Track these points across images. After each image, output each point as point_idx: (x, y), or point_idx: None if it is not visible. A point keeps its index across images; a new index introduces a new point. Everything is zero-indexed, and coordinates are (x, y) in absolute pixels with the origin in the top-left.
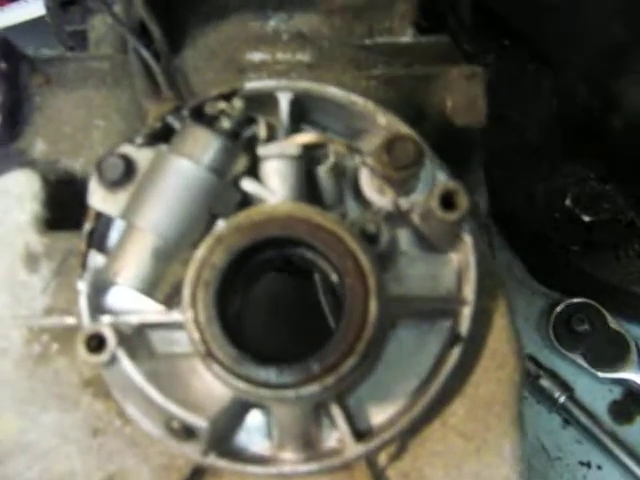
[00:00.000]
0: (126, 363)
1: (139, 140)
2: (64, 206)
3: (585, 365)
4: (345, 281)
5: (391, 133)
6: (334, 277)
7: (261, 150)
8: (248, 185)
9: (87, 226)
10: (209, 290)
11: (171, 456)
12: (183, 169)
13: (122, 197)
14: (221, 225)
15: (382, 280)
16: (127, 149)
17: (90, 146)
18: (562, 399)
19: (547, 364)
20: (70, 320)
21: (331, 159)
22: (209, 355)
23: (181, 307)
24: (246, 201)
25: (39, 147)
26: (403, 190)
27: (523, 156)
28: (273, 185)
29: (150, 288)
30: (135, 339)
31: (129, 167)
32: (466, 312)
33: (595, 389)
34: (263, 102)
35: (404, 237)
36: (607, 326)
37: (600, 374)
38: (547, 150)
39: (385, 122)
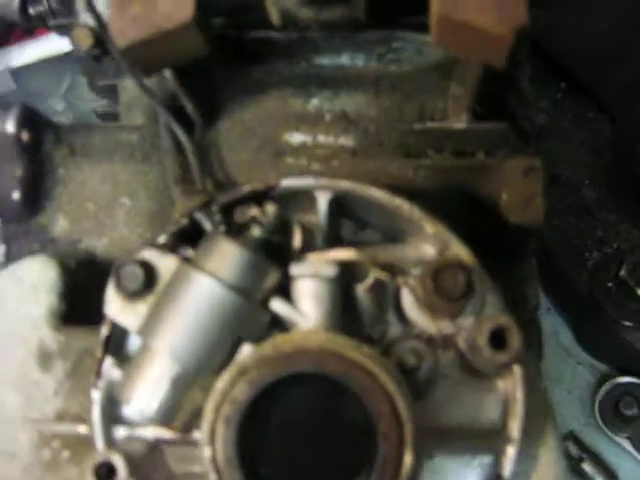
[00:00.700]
0: None
1: (162, 239)
2: (83, 292)
3: (631, 449)
4: (379, 428)
5: (439, 259)
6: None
7: (294, 269)
8: (278, 306)
9: (103, 331)
10: (229, 427)
11: None
12: (207, 289)
13: (141, 309)
14: (246, 351)
15: (419, 425)
16: (149, 254)
17: (114, 225)
18: None
19: (589, 443)
20: (82, 429)
21: (371, 279)
22: None
23: (201, 430)
24: (276, 321)
25: (60, 224)
26: (448, 317)
27: (576, 216)
28: (306, 308)
29: (166, 418)
30: (149, 458)
31: (150, 276)
32: (510, 452)
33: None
34: (300, 198)
35: (447, 359)
36: None
37: None
38: (602, 211)
39: (433, 231)
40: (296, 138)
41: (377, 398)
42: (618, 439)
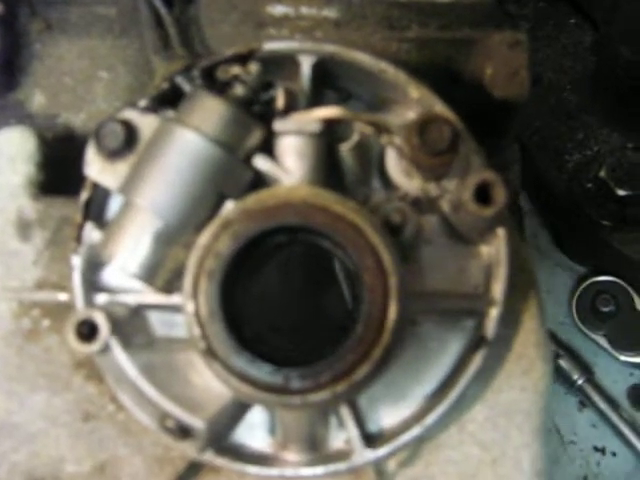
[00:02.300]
0: (119, 354)
1: (143, 103)
2: (62, 165)
3: (607, 346)
4: (364, 279)
5: (425, 113)
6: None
7: (278, 125)
8: (261, 163)
9: (83, 196)
10: (213, 281)
11: (166, 447)
12: (189, 143)
13: (122, 168)
14: (229, 207)
15: (404, 278)
16: (129, 114)
17: (92, 100)
18: (580, 381)
19: (566, 341)
20: (63, 296)
21: (355, 137)
22: (210, 353)
23: (182, 292)
24: (259, 180)
25: (38, 99)
26: (433, 175)
27: (557, 119)
28: (289, 164)
29: (148, 274)
30: (131, 322)
31: (130, 135)
32: (493, 313)
33: (615, 372)
34: (282, 64)
35: (431, 224)
36: (634, 308)
37: (622, 357)
38: (583, 114)
39: (418, 95)
40: (278, 10)
41: (362, 250)
42: (594, 336)
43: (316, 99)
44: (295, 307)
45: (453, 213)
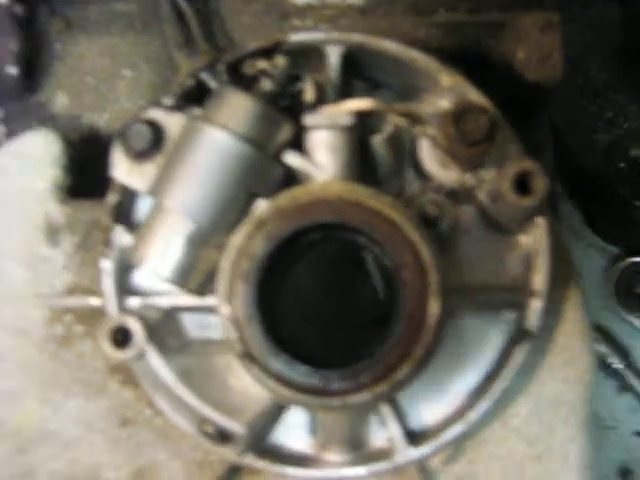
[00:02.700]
0: (155, 359)
1: (169, 101)
2: (88, 166)
3: None
4: (403, 277)
5: (460, 102)
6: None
7: (308, 119)
8: (292, 159)
9: (111, 198)
10: (248, 283)
11: (205, 451)
12: (218, 142)
13: (150, 170)
14: (261, 206)
15: (444, 273)
16: (155, 113)
17: (116, 99)
18: (619, 365)
19: (603, 324)
20: (95, 301)
21: (388, 129)
22: (248, 356)
23: (216, 294)
24: (290, 177)
25: (60, 100)
26: (469, 165)
27: (585, 98)
28: (321, 159)
29: (181, 278)
30: (165, 325)
31: (157, 135)
32: (535, 305)
33: None
34: (308, 56)
35: (467, 215)
36: None
37: None
38: (611, 92)
39: (450, 83)
40: None
41: (400, 247)
42: (631, 319)
43: (345, 90)
44: (329, 302)
45: (491, 203)
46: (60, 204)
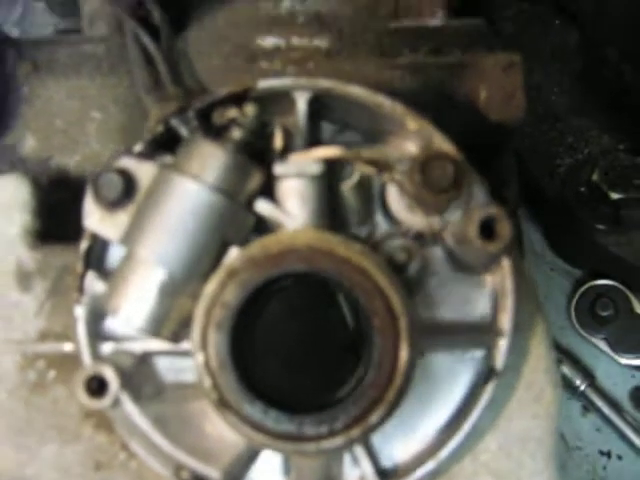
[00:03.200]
0: (130, 407)
1: (139, 147)
2: (57, 209)
3: (607, 350)
4: (374, 323)
5: (426, 150)
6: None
7: (278, 168)
8: (263, 207)
9: (83, 245)
10: (222, 331)
11: None
12: (189, 192)
13: (122, 219)
14: (233, 254)
15: (414, 318)
16: (126, 162)
17: (85, 142)
18: (583, 386)
19: (566, 346)
20: (68, 347)
21: (356, 176)
22: (222, 403)
23: (190, 339)
24: (261, 223)
25: (29, 143)
26: (436, 210)
27: (546, 123)
28: (291, 207)
29: (155, 327)
30: (139, 371)
31: (129, 185)
32: (502, 344)
33: (616, 375)
34: (277, 100)
35: (435, 256)
36: (632, 311)
37: (622, 360)
38: (572, 117)
39: (416, 127)
40: (269, 42)
41: (370, 294)
42: (594, 340)
43: (313, 134)
44: (300, 344)
45: (457, 246)
46: (31, 249)
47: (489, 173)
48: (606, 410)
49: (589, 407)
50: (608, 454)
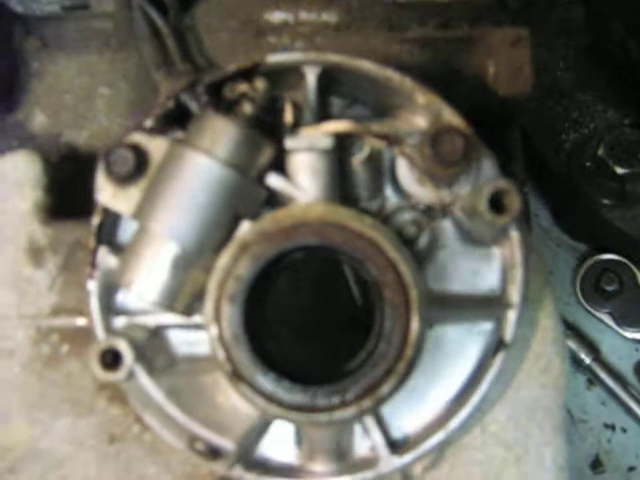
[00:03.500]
0: (144, 379)
1: (150, 123)
2: (67, 185)
3: (612, 324)
4: (385, 295)
5: (436, 124)
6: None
7: (289, 142)
8: (274, 181)
9: (95, 220)
10: (235, 304)
11: (194, 465)
12: (201, 167)
13: (134, 193)
14: (245, 228)
15: (424, 290)
16: (138, 138)
17: (94, 117)
18: (588, 360)
19: (572, 321)
20: (80, 321)
21: (366, 150)
22: (236, 375)
23: (203, 312)
24: (273, 197)
25: (39, 119)
26: (446, 183)
27: (552, 98)
28: (302, 181)
29: (168, 301)
30: (152, 344)
31: (140, 159)
32: (511, 316)
33: (621, 349)
34: (286, 75)
35: (444, 229)
36: (637, 285)
37: (627, 334)
38: (577, 92)
39: (425, 101)
40: (277, 16)
41: (381, 266)
42: (599, 315)
43: (322, 109)
44: (312, 317)
45: (467, 219)
46: (42, 225)
47: (496, 148)
48: (611, 383)
49: (594, 381)
50: (612, 427)
